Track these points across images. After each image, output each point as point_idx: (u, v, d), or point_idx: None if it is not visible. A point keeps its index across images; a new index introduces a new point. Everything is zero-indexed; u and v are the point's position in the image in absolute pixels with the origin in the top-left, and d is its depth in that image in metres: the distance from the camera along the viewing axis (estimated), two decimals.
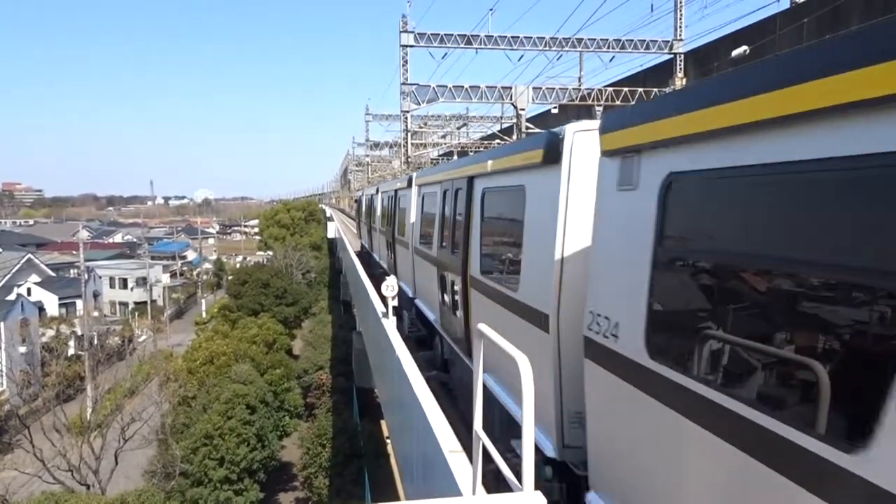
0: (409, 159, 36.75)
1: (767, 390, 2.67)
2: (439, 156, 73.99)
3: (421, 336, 10.91)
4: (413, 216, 11.57)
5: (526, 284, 5.10)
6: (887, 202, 2.22)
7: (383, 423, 22.42)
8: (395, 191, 14.06)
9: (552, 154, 4.63)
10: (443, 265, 8.34)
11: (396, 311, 11.10)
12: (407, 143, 34.42)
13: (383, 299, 11.29)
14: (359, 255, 25.28)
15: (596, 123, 4.23)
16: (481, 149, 53.14)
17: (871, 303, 2.29)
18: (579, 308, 4.17)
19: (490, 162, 6.36)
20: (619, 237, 3.75)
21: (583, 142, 4.46)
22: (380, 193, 18.88)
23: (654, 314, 3.38)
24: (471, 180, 7.01)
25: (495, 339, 3.43)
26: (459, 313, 7.32)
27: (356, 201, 44.53)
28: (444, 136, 63.84)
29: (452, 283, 7.64)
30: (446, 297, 8.24)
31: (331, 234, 64.47)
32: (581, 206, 4.44)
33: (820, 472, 2.31)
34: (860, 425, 2.18)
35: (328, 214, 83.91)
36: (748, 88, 2.81)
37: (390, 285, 11.21)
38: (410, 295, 11.32)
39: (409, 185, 11.78)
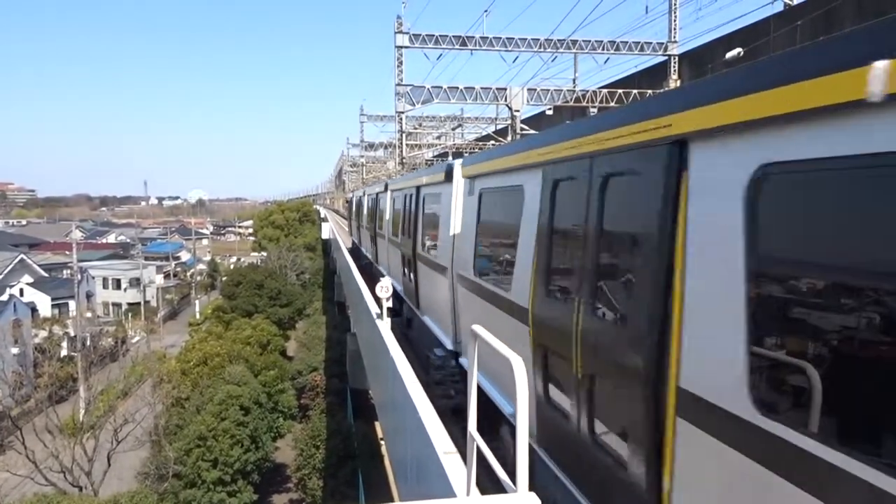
0: (404, 160, 36.72)
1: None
2: (434, 157, 74.01)
3: (395, 308, 13.10)
4: (387, 214, 14.55)
5: (440, 251, 8.85)
6: None
7: (377, 425, 22.38)
8: (377, 194, 17.00)
9: (448, 175, 8.57)
10: (403, 248, 11.78)
11: (397, 311, 12.42)
12: (402, 143, 34.39)
13: (377, 300, 11.28)
14: (351, 251, 28.01)
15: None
16: (476, 150, 53.20)
17: None
18: (461, 259, 7.56)
19: (425, 178, 10.11)
20: (467, 221, 7.23)
21: (461, 170, 8.00)
22: (366, 196, 22.59)
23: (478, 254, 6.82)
24: (418, 189, 10.56)
25: (490, 340, 3.42)
26: (412, 278, 11.12)
27: (348, 202, 51.37)
28: (439, 137, 63.83)
29: (408, 259, 11.26)
30: (405, 271, 11.75)
31: (325, 234, 64.44)
32: (460, 204, 7.90)
33: None
34: None
35: (322, 215, 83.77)
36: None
37: (385, 286, 11.19)
38: (385, 274, 13.91)
39: (386, 189, 14.60)
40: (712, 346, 2.98)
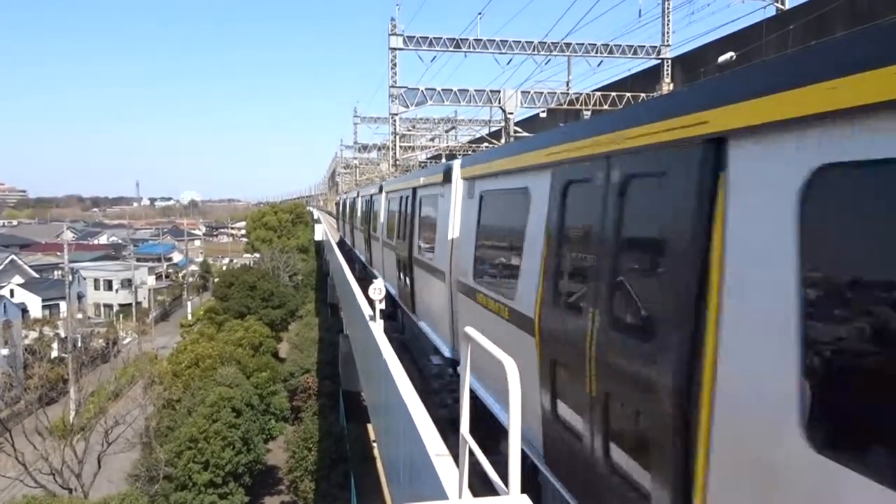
0: (398, 162, 36.72)
1: None
2: (428, 159, 74.01)
3: (390, 312, 13.37)
4: (382, 216, 14.37)
5: (438, 255, 8.45)
6: None
7: (370, 427, 22.33)
8: (371, 195, 16.80)
9: (447, 177, 8.16)
10: (399, 252, 11.48)
11: (391, 315, 12.60)
12: (395, 145, 34.39)
13: (370, 302, 11.24)
14: (338, 244, 30.65)
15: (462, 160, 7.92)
16: (470, 152, 53.29)
17: None
18: (460, 264, 7.38)
19: (422, 179, 9.82)
20: (467, 224, 7.10)
21: (460, 171, 7.89)
22: (360, 197, 22.16)
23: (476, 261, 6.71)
24: (414, 190, 10.25)
25: (482, 342, 3.40)
26: (407, 282, 10.65)
27: (337, 203, 52.52)
28: (432, 139, 63.84)
29: (403, 263, 11.00)
30: (401, 275, 11.48)
31: (318, 236, 64.20)
32: (459, 206, 7.74)
33: None
34: None
35: (315, 217, 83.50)
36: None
37: (377, 288, 11.17)
38: (379, 276, 14.00)
39: (381, 191, 14.55)
40: (757, 368, 2.63)
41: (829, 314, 2.39)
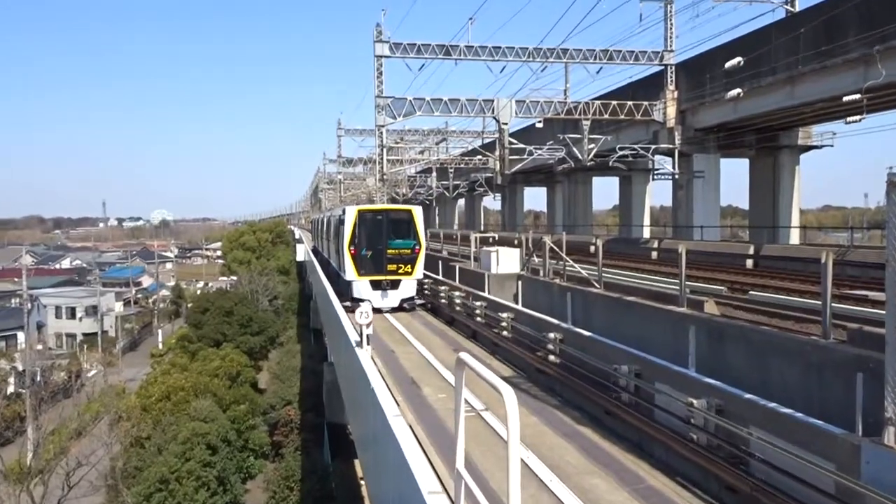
0: (385, 177, 36.83)
1: None
2: (417, 173, 74.46)
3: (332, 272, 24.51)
4: (330, 225, 25.92)
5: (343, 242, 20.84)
6: None
7: (357, 463, 22.12)
8: (339, 216, 23.56)
9: (348, 213, 20.97)
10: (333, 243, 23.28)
11: (334, 277, 22.30)
12: (382, 159, 34.51)
13: (357, 327, 11.22)
14: (314, 251, 38.79)
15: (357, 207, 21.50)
16: (462, 165, 53.75)
17: None
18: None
19: (348, 208, 21.29)
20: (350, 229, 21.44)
21: (353, 210, 20.95)
22: (324, 216, 34.61)
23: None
24: (344, 212, 21.00)
25: (478, 369, 3.42)
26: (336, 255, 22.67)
27: (311, 222, 61.54)
28: (422, 152, 64.18)
29: (335, 248, 22.38)
30: (333, 253, 23.35)
31: (300, 256, 64.07)
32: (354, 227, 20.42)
33: None
34: None
35: (297, 236, 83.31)
36: None
37: (364, 312, 11.16)
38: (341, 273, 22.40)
39: (344, 212, 21.78)
40: None
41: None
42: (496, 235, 34.86)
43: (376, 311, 19.57)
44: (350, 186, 74.82)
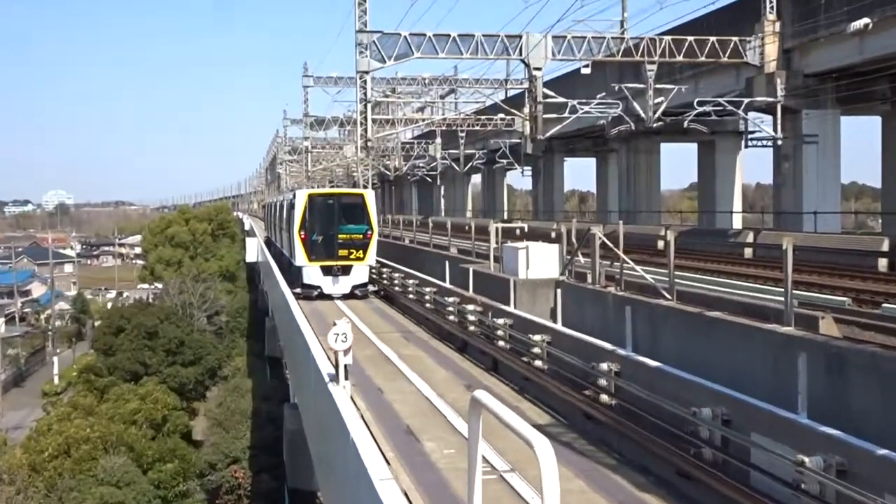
0: (370, 143, 36.87)
1: None
2: (414, 138, 74.53)
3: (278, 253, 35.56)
4: (283, 210, 32.91)
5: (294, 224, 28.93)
6: None
7: None
8: (290, 200, 30.23)
9: (298, 196, 28.46)
10: (284, 226, 32.75)
11: (282, 258, 29.28)
12: (366, 118, 34.55)
13: (331, 355, 11.22)
14: (267, 243, 44.98)
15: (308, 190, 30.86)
16: (477, 127, 53.79)
17: None
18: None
19: (298, 192, 29.52)
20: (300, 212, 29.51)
21: (303, 194, 28.26)
22: (279, 201, 39.72)
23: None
24: (295, 196, 28.90)
25: (501, 413, 3.41)
26: (284, 239, 32.56)
27: (263, 207, 68.36)
28: (421, 109, 64.27)
29: (286, 231, 31.18)
30: (283, 236, 33.54)
31: (251, 255, 64.01)
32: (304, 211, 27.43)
33: None
34: None
35: (247, 226, 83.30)
36: None
37: (341, 333, 11.16)
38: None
39: (294, 196, 27.45)
40: None
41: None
42: (525, 226, 34.88)
43: (327, 296, 26.81)
44: (321, 157, 74.97)
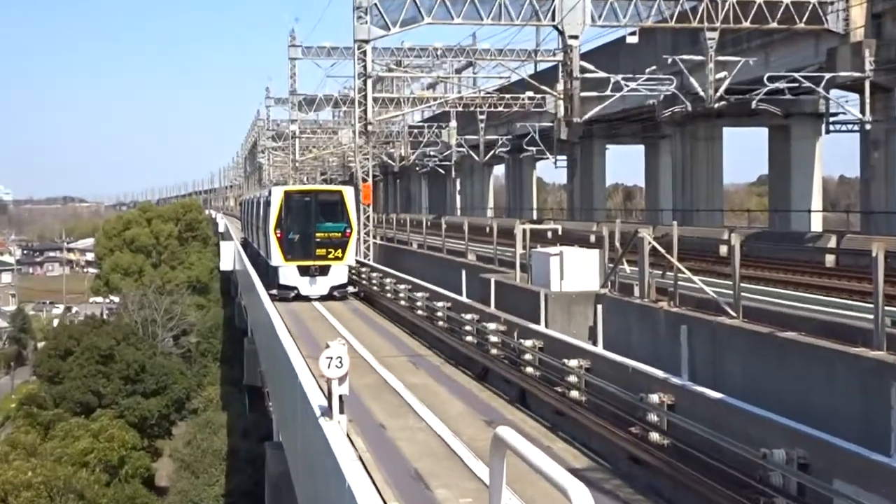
0: (370, 126, 36.99)
1: None
2: (424, 121, 74.45)
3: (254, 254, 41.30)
4: (258, 208, 37.28)
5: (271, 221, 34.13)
6: None
7: None
8: (266, 197, 33.62)
9: (273, 194, 33.07)
10: (259, 224, 38.27)
11: (257, 258, 32.43)
12: (366, 97, 34.70)
13: (324, 383, 11.23)
14: (244, 245, 47.54)
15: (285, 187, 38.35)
16: (500, 108, 53.76)
17: None
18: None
19: (274, 189, 35.05)
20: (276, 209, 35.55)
21: (279, 191, 32.64)
22: (258, 196, 41.93)
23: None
24: (270, 193, 33.67)
25: (529, 454, 3.44)
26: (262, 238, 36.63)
27: (240, 204, 71.20)
28: (432, 86, 64.36)
29: (262, 230, 35.43)
30: (259, 235, 38.48)
31: (226, 262, 63.48)
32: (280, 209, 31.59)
33: None
34: None
35: (221, 227, 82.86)
36: None
37: (335, 356, 11.19)
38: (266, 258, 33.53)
39: (270, 193, 30.87)
40: None
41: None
42: (559, 227, 34.88)
43: (303, 298, 30.23)
44: (312, 144, 75.17)
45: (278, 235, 30.30)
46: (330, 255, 30.31)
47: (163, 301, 55.07)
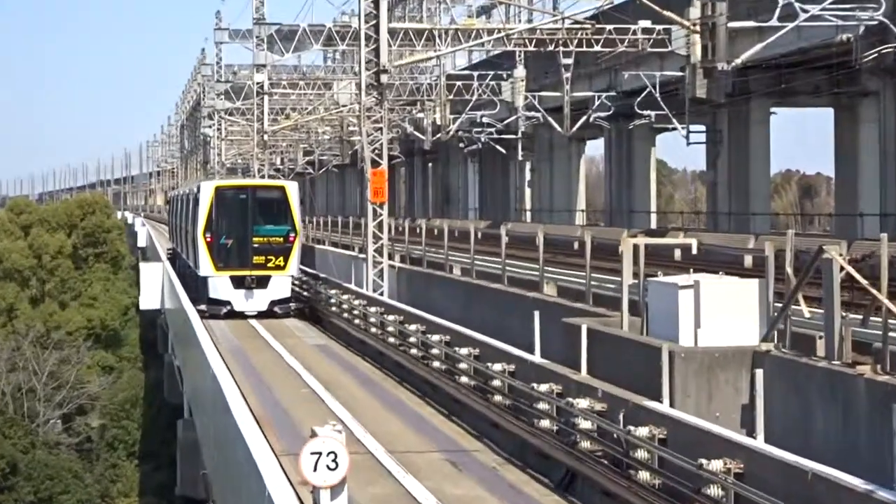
0: (385, 75, 37.20)
1: None
2: (471, 67, 74.47)
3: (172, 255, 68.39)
4: (200, 212, 43.65)
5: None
6: None
7: None
8: (194, 194, 43.06)
9: (202, 189, 47.82)
10: (185, 223, 57.86)
11: (175, 258, 43.37)
12: (377, 27, 34.96)
13: (310, 492, 11.27)
14: (172, 259, 61.95)
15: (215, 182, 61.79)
16: (597, 44, 53.65)
17: None
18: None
19: (203, 184, 51.91)
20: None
21: (209, 186, 45.47)
22: (185, 192, 54.49)
23: None
24: (199, 189, 48.77)
25: None
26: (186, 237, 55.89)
27: (168, 202, 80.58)
28: (484, 12, 64.55)
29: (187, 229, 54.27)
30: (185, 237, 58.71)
31: (149, 299, 63.18)
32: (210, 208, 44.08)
33: None
34: None
35: (142, 240, 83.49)
36: None
37: (326, 452, 11.28)
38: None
39: (198, 190, 42.24)
40: None
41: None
42: (692, 242, 34.75)
43: (238, 314, 35.50)
44: (291, 105, 75.52)
45: (208, 240, 36.19)
46: (270, 264, 35.92)
47: (47, 359, 55.54)
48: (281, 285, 35.45)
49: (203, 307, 33.64)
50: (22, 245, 74.05)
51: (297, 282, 38.76)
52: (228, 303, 34.70)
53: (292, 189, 36.25)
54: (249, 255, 35.01)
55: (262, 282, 35.02)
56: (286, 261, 35.32)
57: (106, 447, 54.23)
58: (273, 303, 35.09)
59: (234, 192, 37.23)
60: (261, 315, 34.66)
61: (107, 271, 74.63)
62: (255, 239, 35.11)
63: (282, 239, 35.22)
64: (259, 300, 34.93)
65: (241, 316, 34.24)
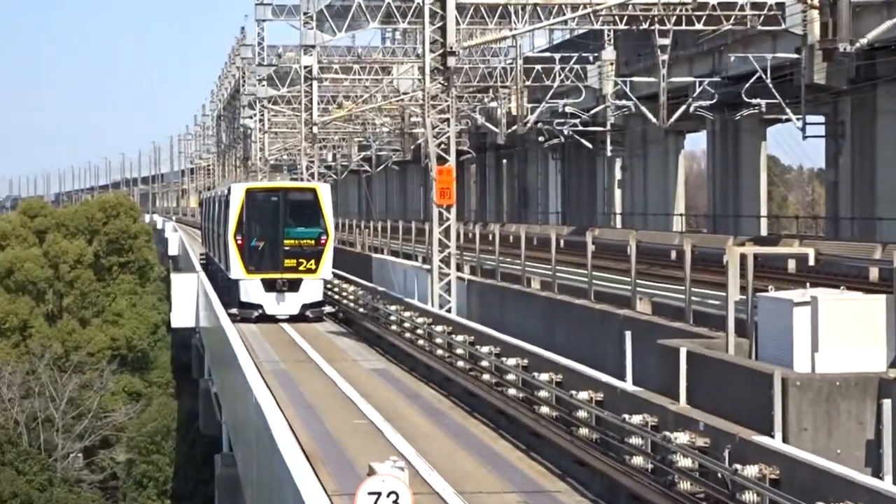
0: (454, 54, 37.38)
1: None
2: (552, 48, 74.48)
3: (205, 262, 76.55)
4: (231, 214, 51.81)
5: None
6: None
7: None
8: (225, 196, 51.89)
9: (233, 192, 56.84)
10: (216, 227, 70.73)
11: (208, 263, 48.50)
12: (445, 5, 35.18)
13: None
14: (205, 266, 67.78)
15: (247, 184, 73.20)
16: (698, 22, 53.59)
17: None
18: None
19: (234, 186, 61.35)
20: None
21: (240, 188, 53.30)
22: (217, 194, 68.58)
23: None
24: (229, 191, 58.49)
25: None
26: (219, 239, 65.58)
27: (201, 204, 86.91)
28: None
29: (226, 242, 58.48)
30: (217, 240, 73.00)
31: (182, 315, 63.15)
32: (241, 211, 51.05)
33: None
34: None
35: (174, 247, 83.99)
36: None
37: (387, 492, 11.36)
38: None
39: (229, 192, 50.10)
40: None
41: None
42: (810, 252, 34.65)
43: (269, 318, 39.47)
44: (345, 92, 75.82)
45: (239, 242, 40.35)
46: (301, 267, 39.44)
47: (66, 384, 55.92)
48: (313, 289, 38.98)
49: (234, 311, 37.24)
50: (36, 253, 74.42)
51: (351, 295, 41.43)
52: (260, 306, 37.85)
53: (324, 191, 39.58)
54: (281, 257, 38.81)
55: (294, 285, 38.45)
56: (318, 264, 38.76)
57: (133, 485, 54.57)
58: (305, 306, 38.54)
59: (266, 194, 41.33)
60: (292, 318, 38.44)
61: (133, 283, 74.79)
62: (287, 242, 38.96)
63: (313, 242, 38.95)
64: (291, 304, 38.25)
65: (273, 319, 37.62)
